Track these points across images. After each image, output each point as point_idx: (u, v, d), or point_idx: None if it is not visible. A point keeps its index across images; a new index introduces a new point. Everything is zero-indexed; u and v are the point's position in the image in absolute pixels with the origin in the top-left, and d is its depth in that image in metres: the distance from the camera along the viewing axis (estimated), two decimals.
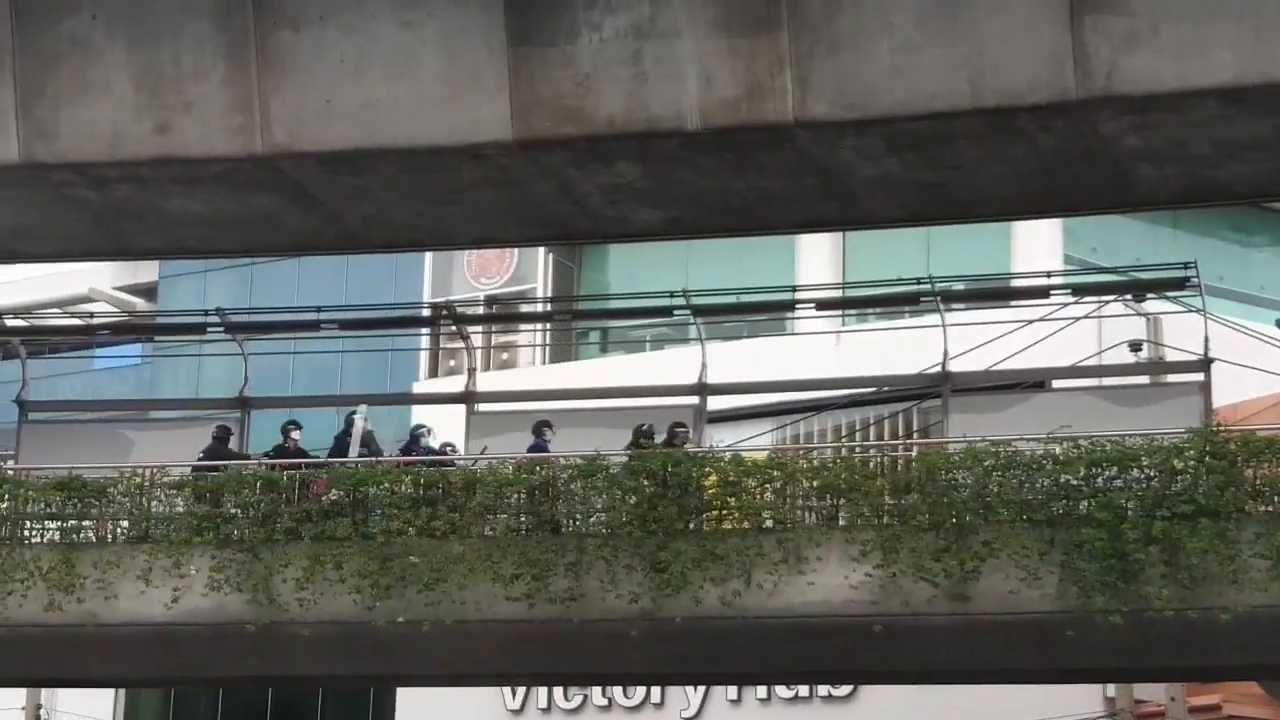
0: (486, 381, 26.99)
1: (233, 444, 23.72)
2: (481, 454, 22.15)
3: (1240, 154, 19.66)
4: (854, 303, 27.58)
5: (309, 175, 21.09)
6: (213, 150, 20.81)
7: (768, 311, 27.67)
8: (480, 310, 33.98)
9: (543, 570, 20.20)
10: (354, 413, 23.53)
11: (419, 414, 31.29)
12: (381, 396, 32.11)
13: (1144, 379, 24.59)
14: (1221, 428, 19.74)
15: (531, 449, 22.22)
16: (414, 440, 23.01)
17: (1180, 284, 22.31)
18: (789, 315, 28.36)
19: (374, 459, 22.32)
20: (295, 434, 23.14)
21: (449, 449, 22.70)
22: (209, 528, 21.12)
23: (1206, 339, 21.69)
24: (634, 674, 25.71)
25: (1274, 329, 22.43)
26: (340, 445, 23.03)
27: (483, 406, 24.34)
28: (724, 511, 20.36)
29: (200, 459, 22.59)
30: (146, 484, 21.95)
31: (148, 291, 40.22)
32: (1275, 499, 18.94)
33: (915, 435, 26.99)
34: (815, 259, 31.99)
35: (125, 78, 20.89)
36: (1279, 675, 23.24)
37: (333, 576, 20.65)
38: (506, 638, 20.65)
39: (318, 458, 22.64)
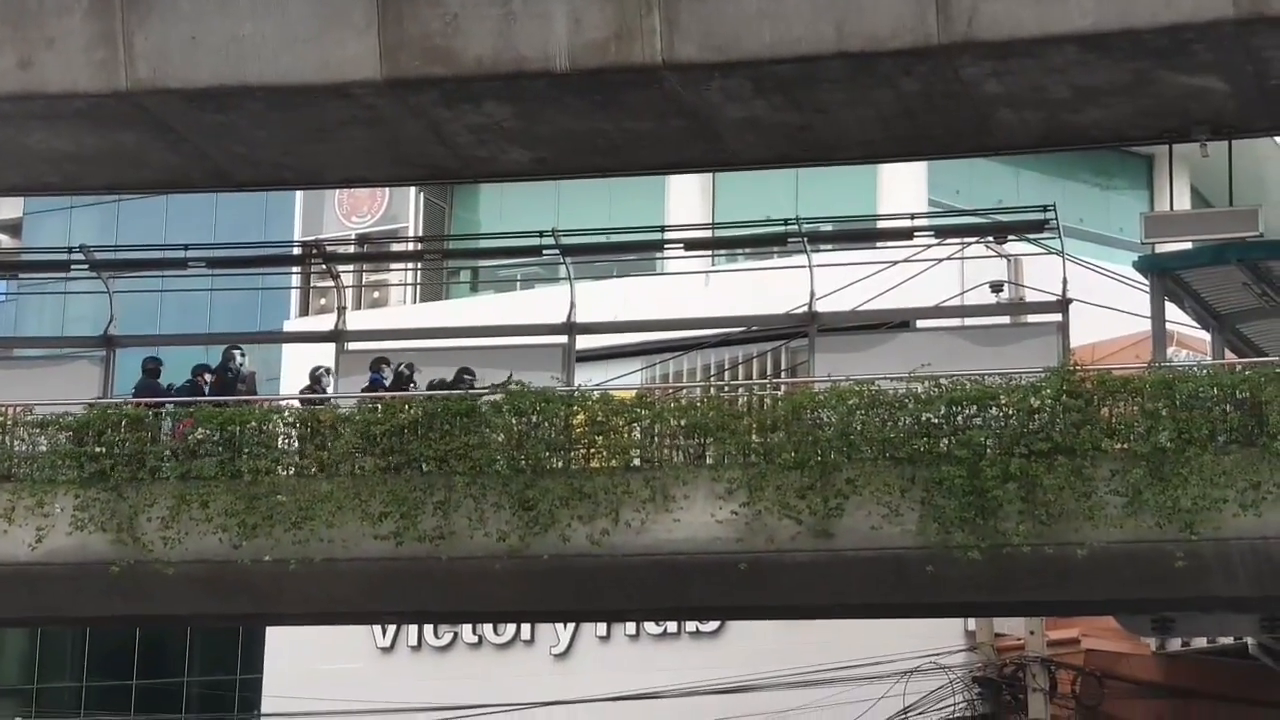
0: (357, 320, 26.93)
1: (96, 383, 23.54)
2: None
3: (1099, 99, 20.01)
4: (722, 243, 27.72)
5: (174, 112, 20.96)
6: (75, 86, 20.63)
7: (637, 251, 27.73)
8: (351, 249, 33.86)
9: (411, 508, 20.24)
10: (234, 348, 23.35)
11: (290, 353, 31.26)
12: (251, 335, 31.98)
13: (1004, 319, 24.96)
14: (1078, 367, 20.08)
15: (368, 386, 22.30)
16: (315, 382, 22.89)
17: (1040, 226, 22.58)
18: (658, 255, 28.49)
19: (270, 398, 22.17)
20: (206, 376, 22.95)
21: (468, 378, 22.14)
22: (72, 466, 20.96)
23: (1065, 280, 22.01)
24: (503, 612, 25.83)
25: (1131, 270, 22.81)
26: (226, 383, 22.85)
27: (353, 345, 24.30)
28: (592, 450, 20.51)
29: (133, 395, 22.39)
30: (10, 423, 21.74)
31: (12, 228, 39.73)
32: (1130, 437, 19.26)
33: (782, 374, 27.26)
34: (685, 200, 32.10)
35: None
36: (1135, 609, 23.67)
37: (199, 515, 20.59)
38: (375, 576, 20.69)
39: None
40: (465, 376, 22.01)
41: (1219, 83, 19.55)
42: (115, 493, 20.77)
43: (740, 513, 19.68)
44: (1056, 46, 19.07)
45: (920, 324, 24.60)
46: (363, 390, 22.20)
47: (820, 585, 20.32)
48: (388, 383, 22.34)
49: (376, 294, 35.20)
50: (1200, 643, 26.75)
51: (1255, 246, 21.56)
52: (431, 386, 21.87)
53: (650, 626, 29.96)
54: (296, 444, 21.10)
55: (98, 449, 21.12)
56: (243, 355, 23.36)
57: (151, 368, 23.10)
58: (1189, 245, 22.90)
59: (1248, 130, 21.24)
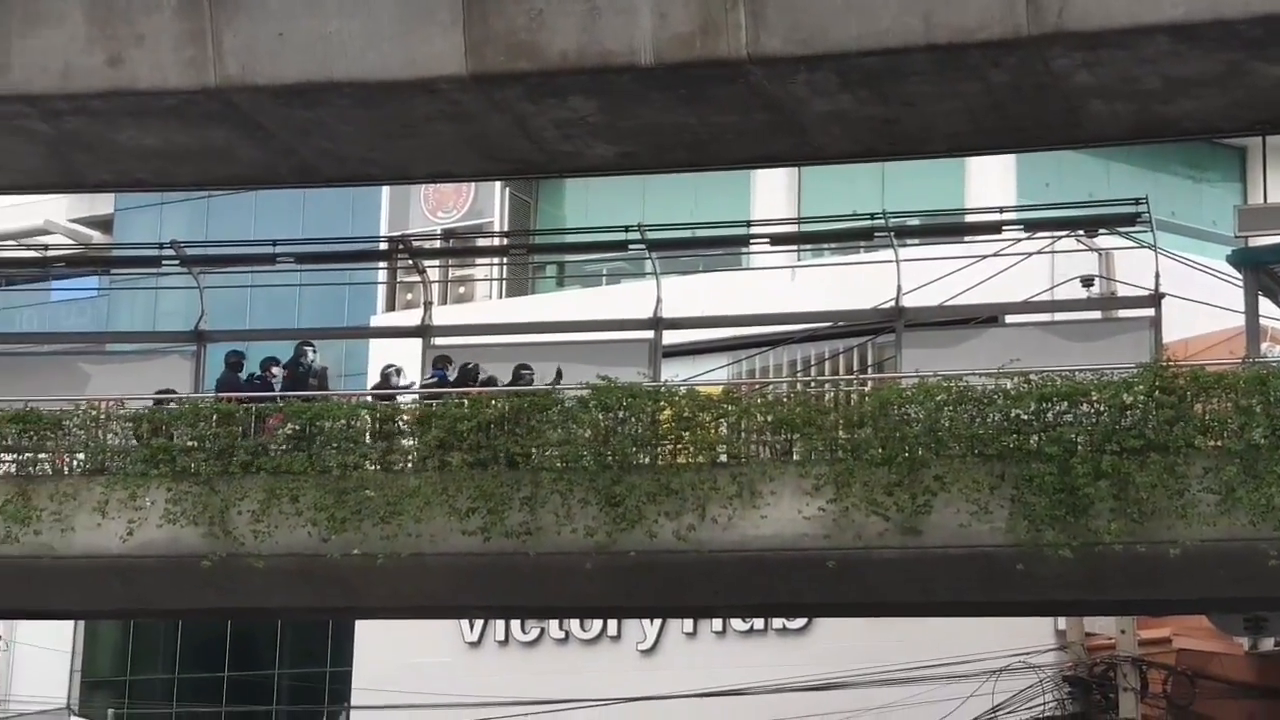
0: (443, 315, 27.01)
1: (188, 378, 23.71)
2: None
3: (1191, 90, 19.78)
4: (808, 238, 27.62)
5: (262, 109, 21.07)
6: (164, 83, 20.78)
7: (723, 246, 27.66)
8: (437, 244, 33.96)
9: (498, 504, 20.24)
10: (306, 344, 23.53)
11: (376, 348, 31.39)
12: (338, 330, 32.15)
13: (1095, 314, 24.74)
14: (1171, 363, 19.87)
15: (430, 384, 22.40)
16: (384, 380, 23.04)
17: (1131, 219, 22.39)
18: (744, 250, 28.42)
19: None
20: (275, 370, 23.15)
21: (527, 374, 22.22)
22: (164, 460, 21.10)
23: (1157, 274, 21.80)
24: (590, 607, 25.88)
25: (1224, 264, 22.55)
26: (298, 378, 23.02)
27: (439, 340, 24.37)
28: (678, 446, 20.46)
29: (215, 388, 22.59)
30: (103, 417, 21.93)
31: (104, 224, 40.08)
32: (1224, 434, 19.04)
33: (869, 370, 27.13)
34: (770, 194, 32.02)
35: (77, 9, 20.84)
36: (1227, 608, 23.47)
37: (289, 509, 20.68)
38: (462, 571, 20.74)
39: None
40: (523, 372, 22.04)
41: None
42: (206, 486, 20.91)
43: (827, 509, 19.58)
44: (1148, 37, 18.86)
45: (1009, 319, 24.43)
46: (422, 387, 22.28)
47: (908, 582, 20.21)
48: (452, 379, 22.43)
49: (462, 289, 35.27)
50: None
51: None
52: (483, 384, 21.88)
53: (737, 623, 29.90)
54: (383, 440, 21.17)
55: (189, 443, 21.28)
56: (314, 351, 23.49)
57: (234, 361, 23.28)
58: None
59: None
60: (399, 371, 23.15)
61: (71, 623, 35.03)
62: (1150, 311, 21.95)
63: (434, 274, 28.25)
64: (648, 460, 20.35)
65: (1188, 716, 26.26)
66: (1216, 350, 23.99)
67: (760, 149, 21.94)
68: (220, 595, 21.77)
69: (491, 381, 22.00)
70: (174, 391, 22.85)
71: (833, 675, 27.26)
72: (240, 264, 27.04)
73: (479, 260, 34.45)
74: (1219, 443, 19.03)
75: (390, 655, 31.39)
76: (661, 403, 20.62)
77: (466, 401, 21.03)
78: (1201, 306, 23.06)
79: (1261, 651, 26.71)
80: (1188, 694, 26.26)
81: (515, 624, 31.53)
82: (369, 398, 22.56)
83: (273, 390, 22.57)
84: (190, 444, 21.27)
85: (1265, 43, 18.85)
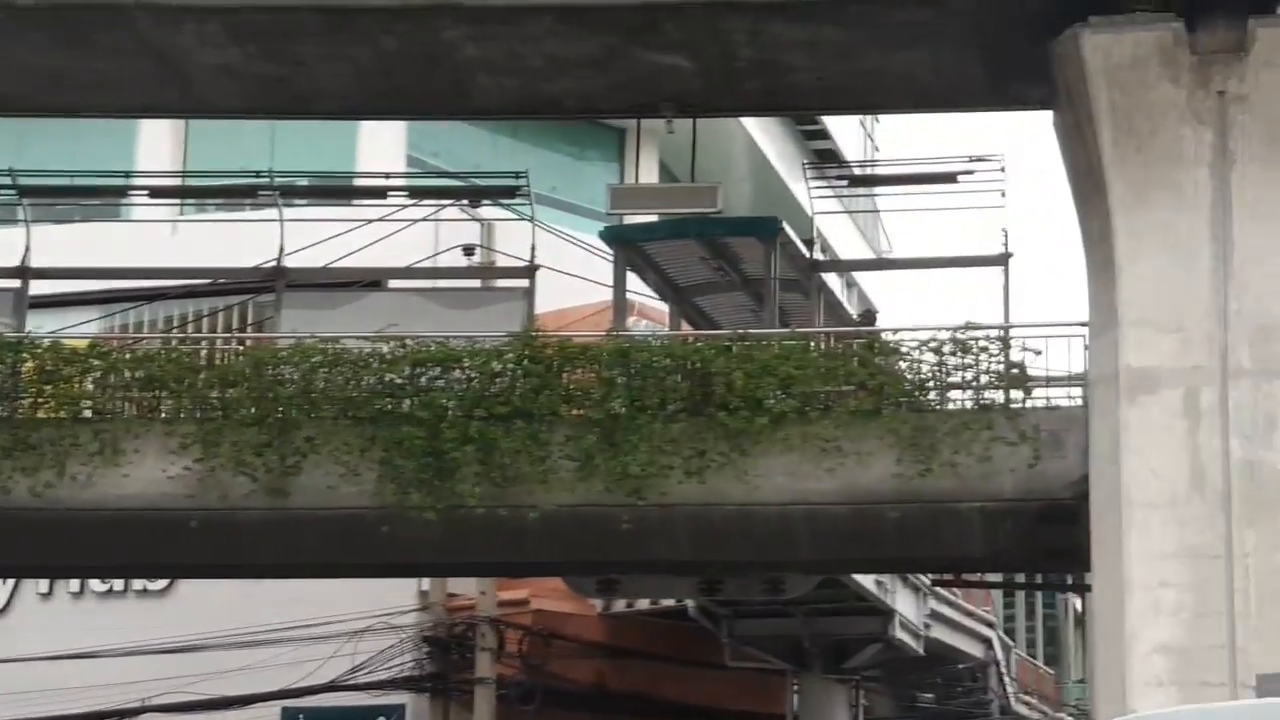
0: None
1: None
2: None
3: (572, 70, 20.27)
4: (190, 192, 27.17)
5: None
6: None
7: (100, 196, 26.86)
8: None
9: None
10: None
11: None
12: None
13: (475, 282, 25.15)
14: (540, 333, 20.36)
15: None
16: None
17: (512, 192, 22.84)
18: (123, 201, 27.70)
19: None
20: None
21: None
22: None
23: (534, 246, 22.26)
24: None
25: (598, 240, 23.26)
26: None
27: None
28: (39, 399, 19.84)
29: None
30: None
31: None
32: (587, 403, 19.63)
33: (248, 329, 26.87)
34: (156, 144, 31.25)
35: None
36: (582, 571, 24.18)
37: None
38: None
39: None
40: None
41: (686, 61, 20.03)
42: None
43: (193, 468, 19.35)
44: (534, 16, 19.22)
45: (392, 284, 24.57)
46: None
47: (275, 543, 20.15)
48: None
49: None
50: (644, 604, 27.53)
51: (714, 223, 22.23)
52: None
53: (95, 584, 29.13)
54: None
55: None
56: None
57: None
58: (655, 218, 23.49)
59: (713, 109, 21.83)
60: None
61: None
62: (526, 282, 22.43)
63: None
64: (5, 414, 19.65)
65: (542, 675, 27.01)
66: (586, 323, 24.72)
67: (144, 98, 21.44)
68: None
69: None
70: None
71: (196, 637, 26.89)
72: None
73: None
74: (581, 412, 19.61)
75: None
76: (24, 354, 19.97)
77: None
78: (576, 280, 23.71)
79: (613, 613, 27.76)
80: (543, 653, 27.01)
81: None
82: None
83: None
84: None
85: (643, 29, 19.47)
